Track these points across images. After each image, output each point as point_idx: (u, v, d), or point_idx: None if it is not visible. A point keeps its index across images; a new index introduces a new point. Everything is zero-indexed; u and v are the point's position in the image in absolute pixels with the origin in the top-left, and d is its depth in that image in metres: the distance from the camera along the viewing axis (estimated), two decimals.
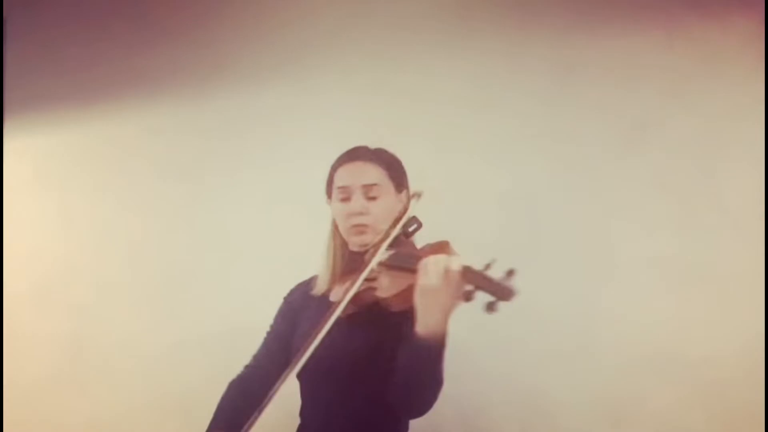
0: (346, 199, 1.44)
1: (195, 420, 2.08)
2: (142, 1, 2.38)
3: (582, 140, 1.91)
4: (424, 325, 1.18)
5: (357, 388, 1.34)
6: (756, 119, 1.79)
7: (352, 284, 1.30)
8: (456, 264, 1.16)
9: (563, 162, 1.92)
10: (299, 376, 1.39)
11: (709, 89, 1.84)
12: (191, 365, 2.11)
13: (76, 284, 2.28)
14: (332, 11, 2.17)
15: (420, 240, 1.43)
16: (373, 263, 1.30)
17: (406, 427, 1.42)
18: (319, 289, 1.49)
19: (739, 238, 1.77)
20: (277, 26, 2.21)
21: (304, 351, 1.25)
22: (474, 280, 1.16)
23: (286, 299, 1.60)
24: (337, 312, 1.26)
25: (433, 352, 1.19)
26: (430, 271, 1.17)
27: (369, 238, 1.40)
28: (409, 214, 1.38)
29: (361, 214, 1.41)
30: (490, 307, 1.13)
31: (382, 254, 1.32)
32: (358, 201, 1.42)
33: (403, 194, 1.49)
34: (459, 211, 1.95)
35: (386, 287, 1.30)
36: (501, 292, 1.15)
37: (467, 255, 1.91)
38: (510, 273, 1.15)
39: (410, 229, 1.33)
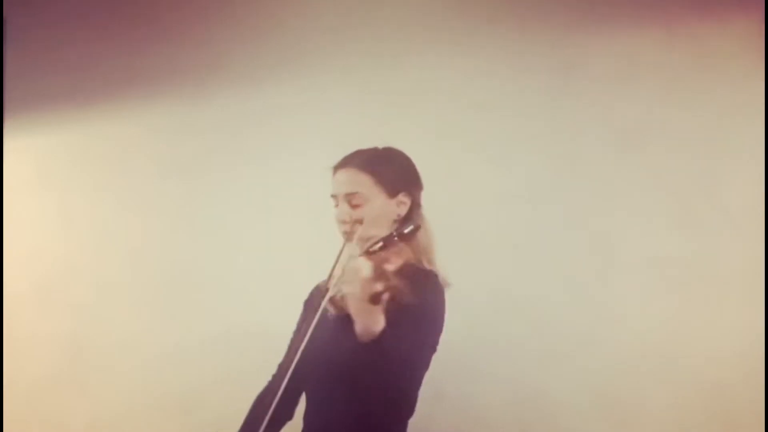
0: (336, 206, 1.48)
1: (195, 420, 2.09)
2: (142, 1, 2.38)
3: (582, 140, 1.91)
4: (357, 324, 1.20)
5: (354, 389, 1.34)
6: (756, 119, 1.79)
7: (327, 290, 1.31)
8: (365, 268, 1.16)
9: (563, 161, 1.92)
10: (303, 379, 1.40)
11: (709, 89, 1.84)
12: (191, 365, 2.11)
13: (76, 284, 2.28)
14: (332, 10, 2.17)
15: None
16: (338, 267, 1.31)
17: (405, 427, 1.42)
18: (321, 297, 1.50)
19: (739, 238, 1.77)
20: (277, 26, 2.21)
21: (293, 357, 1.26)
22: (383, 283, 1.16)
23: (304, 303, 1.62)
24: (316, 318, 1.27)
25: (369, 348, 1.19)
26: (347, 277, 1.20)
27: (360, 243, 1.41)
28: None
29: (344, 222, 1.44)
30: (373, 298, 1.14)
31: (346, 258, 1.32)
32: (342, 209, 1.46)
33: (402, 196, 1.49)
34: (459, 211, 1.95)
35: None
36: (399, 295, 1.15)
37: (468, 255, 1.92)
38: (427, 273, 1.15)
39: (406, 231, 1.32)
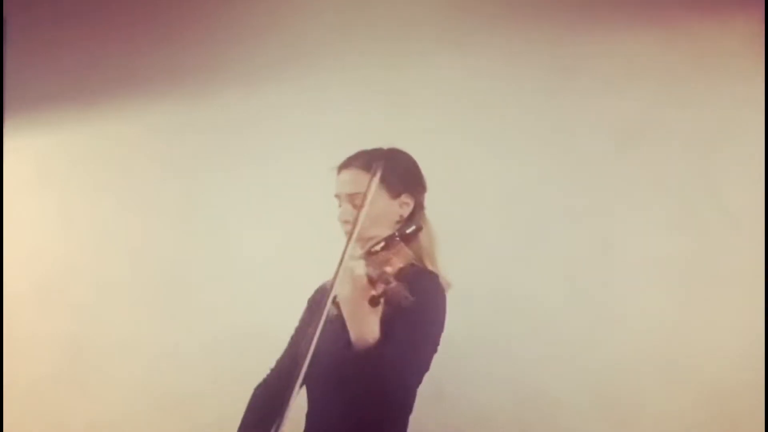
0: (339, 206, 1.50)
1: (195, 420, 2.09)
2: (142, 1, 2.37)
3: (582, 139, 1.91)
4: (351, 332, 1.21)
5: (352, 392, 1.34)
6: (756, 119, 1.79)
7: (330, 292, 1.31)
8: (359, 270, 1.17)
9: (564, 161, 1.92)
10: (305, 380, 1.40)
11: (709, 89, 1.84)
12: (191, 365, 2.11)
13: (76, 284, 2.28)
14: (332, 10, 2.17)
15: None
16: (339, 267, 1.30)
17: (405, 424, 1.42)
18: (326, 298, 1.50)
19: (739, 238, 1.77)
20: (277, 25, 2.21)
21: (303, 358, 1.25)
22: (382, 286, 1.16)
23: (309, 300, 1.62)
24: (322, 319, 1.27)
25: (366, 358, 1.20)
26: (341, 279, 1.20)
27: (362, 244, 1.41)
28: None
29: (346, 221, 1.45)
30: (372, 300, 1.15)
31: (347, 258, 1.31)
32: (345, 209, 1.47)
33: (404, 197, 1.49)
34: (459, 211, 1.95)
35: None
36: (394, 297, 1.15)
37: (468, 254, 1.92)
38: (430, 275, 1.15)
39: (407, 231, 1.32)
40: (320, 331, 1.27)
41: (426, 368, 1.39)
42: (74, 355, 2.24)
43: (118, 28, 2.38)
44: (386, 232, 1.38)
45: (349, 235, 1.33)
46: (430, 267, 1.46)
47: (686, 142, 1.84)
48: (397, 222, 1.47)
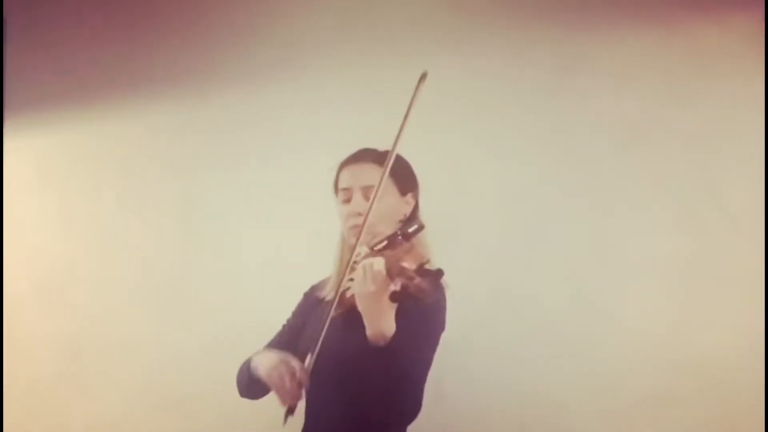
0: (347, 201, 1.47)
1: (195, 420, 2.09)
2: (142, 1, 2.37)
3: (582, 139, 1.91)
4: (367, 327, 1.21)
5: (354, 387, 1.34)
6: (756, 119, 1.79)
7: (338, 288, 1.31)
8: (378, 266, 1.17)
9: (563, 161, 1.92)
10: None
11: (709, 89, 1.85)
12: (191, 366, 2.11)
13: (76, 284, 2.28)
14: (332, 10, 2.17)
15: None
16: (351, 264, 1.30)
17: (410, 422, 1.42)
18: (328, 293, 1.49)
19: (739, 238, 1.77)
20: (278, 25, 2.21)
21: (305, 355, 1.27)
22: (402, 281, 1.17)
23: (305, 294, 1.62)
24: (329, 316, 1.27)
25: (382, 353, 1.20)
26: (359, 276, 1.20)
27: (366, 239, 1.40)
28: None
29: (359, 214, 1.42)
30: (393, 296, 1.16)
31: (358, 254, 1.32)
32: (357, 202, 1.44)
33: (409, 197, 1.50)
34: (459, 211, 1.95)
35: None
36: (419, 293, 1.16)
37: (468, 254, 1.92)
38: (436, 273, 1.17)
39: (410, 230, 1.32)
40: (317, 327, 1.28)
41: (430, 365, 1.40)
42: (74, 355, 2.24)
43: (118, 28, 2.37)
44: (390, 229, 1.38)
45: (361, 226, 1.33)
46: (428, 266, 1.46)
47: (686, 142, 1.84)
48: (401, 221, 1.47)
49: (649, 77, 1.89)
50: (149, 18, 2.35)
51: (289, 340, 1.53)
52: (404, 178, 1.50)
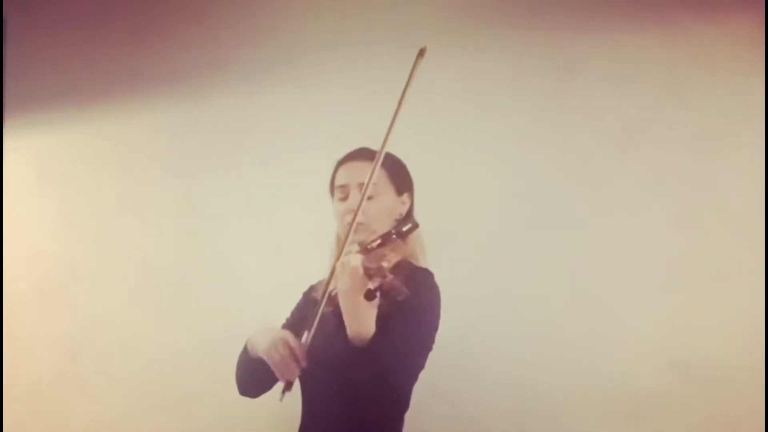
0: (344, 198, 1.47)
1: (195, 420, 2.09)
2: (142, 2, 2.37)
3: (582, 140, 1.91)
4: (348, 327, 1.21)
5: (344, 388, 1.34)
6: (756, 119, 1.79)
7: (327, 286, 1.31)
8: (356, 263, 1.18)
9: (563, 161, 1.92)
10: (301, 383, 1.41)
11: (709, 89, 1.85)
12: (191, 365, 2.11)
13: (76, 284, 2.28)
14: (332, 11, 2.17)
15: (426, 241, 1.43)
16: (339, 262, 1.30)
17: (401, 421, 1.42)
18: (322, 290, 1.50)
19: (739, 238, 1.77)
20: (277, 26, 2.21)
21: (308, 332, 1.27)
22: (379, 279, 1.16)
23: (304, 294, 1.62)
24: (317, 317, 1.27)
25: (363, 353, 1.20)
26: (338, 273, 1.20)
27: (362, 237, 1.40)
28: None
29: (354, 212, 1.41)
30: (368, 294, 1.15)
31: (346, 253, 1.32)
32: (354, 199, 1.44)
33: (405, 197, 1.51)
34: (459, 212, 1.95)
35: None
36: (393, 290, 1.15)
37: (467, 255, 1.92)
38: (424, 271, 1.15)
39: (404, 229, 1.32)
40: (315, 329, 1.28)
41: (421, 366, 1.39)
42: (74, 355, 2.24)
43: (119, 28, 2.38)
44: (385, 228, 1.39)
45: (350, 224, 1.33)
46: (422, 265, 1.46)
47: (686, 142, 1.84)
48: (396, 220, 1.47)
49: (648, 77, 1.89)
50: (149, 19, 2.36)
51: None
52: (400, 178, 1.51)
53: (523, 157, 1.95)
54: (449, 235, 1.93)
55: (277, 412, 1.31)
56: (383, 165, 1.46)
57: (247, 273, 2.11)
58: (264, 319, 1.62)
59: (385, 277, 1.16)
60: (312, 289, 1.61)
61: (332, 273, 1.33)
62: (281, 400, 1.27)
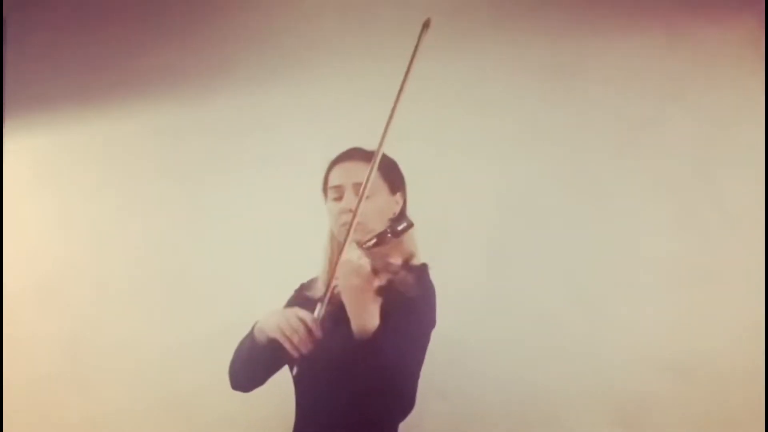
0: (338, 198, 1.47)
1: (195, 419, 2.09)
2: (142, 2, 2.38)
3: (582, 141, 1.91)
4: (352, 322, 1.21)
5: (345, 384, 1.34)
6: (756, 120, 1.79)
7: (330, 282, 1.31)
8: (363, 261, 1.18)
9: (563, 163, 1.92)
10: (295, 383, 1.42)
11: (709, 90, 1.85)
12: (191, 365, 2.11)
13: (75, 284, 2.28)
14: (332, 14, 2.17)
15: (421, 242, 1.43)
16: (341, 261, 1.30)
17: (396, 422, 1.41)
18: (317, 291, 1.50)
19: (739, 239, 1.77)
20: (278, 29, 2.21)
21: (321, 304, 1.27)
22: (388, 276, 1.17)
23: (296, 291, 1.62)
24: (320, 314, 1.27)
25: (368, 348, 1.20)
26: (342, 272, 1.20)
27: (358, 237, 1.40)
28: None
29: (350, 211, 1.42)
30: (378, 291, 1.16)
31: (349, 251, 1.32)
32: (349, 199, 1.44)
33: (398, 196, 1.51)
34: (459, 211, 1.95)
35: None
36: (404, 287, 1.17)
37: (468, 255, 1.92)
38: (421, 267, 1.15)
39: (399, 228, 1.33)
40: (327, 300, 1.28)
41: (422, 361, 1.40)
42: (73, 354, 2.24)
43: (118, 29, 2.38)
44: (380, 227, 1.39)
45: (350, 223, 1.33)
46: (416, 263, 1.46)
47: (686, 143, 1.84)
48: (390, 219, 1.47)
49: (649, 78, 1.89)
50: (149, 20, 2.36)
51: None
52: (393, 177, 1.51)
53: (523, 156, 1.95)
54: (448, 234, 1.93)
55: (274, 409, 1.31)
56: (378, 165, 1.47)
57: (247, 273, 2.11)
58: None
59: (396, 273, 1.16)
60: (303, 287, 1.61)
61: (333, 271, 1.33)
62: (293, 374, 1.29)
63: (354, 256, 1.20)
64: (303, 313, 1.28)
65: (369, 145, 1.53)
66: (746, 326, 1.73)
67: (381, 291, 1.17)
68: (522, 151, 1.95)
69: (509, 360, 1.86)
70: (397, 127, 2.03)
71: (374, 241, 1.30)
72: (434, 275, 1.44)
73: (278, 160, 2.15)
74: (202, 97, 2.26)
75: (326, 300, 1.27)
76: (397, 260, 1.20)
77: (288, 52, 2.19)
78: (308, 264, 1.59)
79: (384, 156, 1.51)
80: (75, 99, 2.39)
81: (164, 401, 2.11)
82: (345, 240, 1.32)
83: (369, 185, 1.39)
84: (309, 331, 1.26)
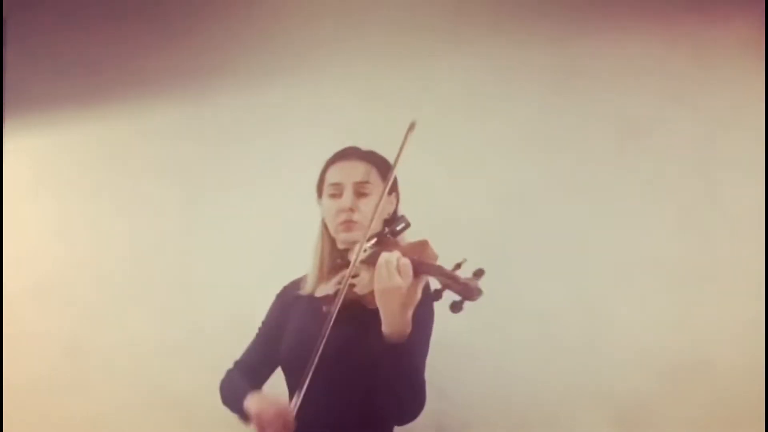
0: (336, 196, 1.47)
1: (194, 418, 2.09)
2: (142, 3, 2.38)
3: (582, 141, 1.91)
4: (386, 324, 1.22)
5: (344, 385, 1.34)
6: (756, 120, 1.79)
7: (339, 283, 1.31)
8: (405, 261, 1.19)
9: (563, 163, 1.92)
10: (288, 374, 1.42)
11: (708, 90, 1.85)
12: (190, 364, 2.11)
13: (75, 284, 2.28)
14: (331, 15, 2.17)
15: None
16: (356, 261, 1.31)
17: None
18: (307, 288, 1.50)
19: (739, 239, 1.77)
20: (276, 30, 2.21)
21: (311, 358, 1.27)
22: (442, 279, 1.17)
23: (278, 296, 1.62)
24: (333, 315, 1.27)
25: (399, 350, 1.22)
26: (382, 271, 1.20)
27: (356, 235, 1.41)
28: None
29: (350, 210, 1.43)
30: (456, 307, 1.15)
31: (364, 251, 1.32)
32: (348, 197, 1.44)
33: (393, 196, 1.51)
34: (458, 211, 1.95)
35: (364, 285, 1.32)
36: (467, 291, 1.16)
37: (468, 255, 1.91)
38: (478, 273, 1.17)
39: (398, 228, 1.33)
40: (306, 326, 1.29)
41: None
42: (74, 355, 2.24)
43: (119, 29, 2.38)
44: (377, 227, 1.39)
45: (368, 226, 1.34)
46: None
47: (686, 142, 1.84)
48: (385, 219, 1.47)
49: (649, 78, 1.89)
50: (149, 21, 2.36)
51: (268, 344, 1.52)
52: (389, 177, 1.50)
53: (523, 156, 1.95)
54: (448, 235, 1.93)
55: None
56: (374, 164, 1.48)
57: (246, 273, 2.11)
58: (260, 317, 1.63)
59: (454, 278, 1.16)
60: (286, 289, 1.60)
61: (334, 274, 1.33)
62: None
63: (393, 256, 1.20)
64: (281, 407, 1.29)
65: (372, 145, 1.53)
66: (746, 326, 1.73)
67: (438, 295, 1.18)
68: (522, 151, 1.95)
69: (509, 360, 1.86)
70: (397, 129, 2.03)
71: (374, 240, 1.30)
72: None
73: (277, 160, 2.15)
74: (201, 97, 2.26)
75: (309, 377, 1.27)
76: (430, 258, 1.21)
77: (287, 52, 2.19)
78: (306, 262, 1.59)
79: (379, 156, 1.52)
80: (75, 99, 2.38)
81: (163, 401, 2.12)
82: (361, 244, 1.32)
83: (367, 185, 1.43)
84: (284, 425, 1.27)
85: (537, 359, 1.84)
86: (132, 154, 2.31)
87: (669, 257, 1.80)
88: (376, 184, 1.46)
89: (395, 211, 1.52)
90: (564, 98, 1.93)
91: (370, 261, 1.31)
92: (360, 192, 1.44)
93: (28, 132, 2.42)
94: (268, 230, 2.12)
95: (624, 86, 1.90)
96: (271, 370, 1.55)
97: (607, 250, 1.85)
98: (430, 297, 1.24)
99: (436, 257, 1.28)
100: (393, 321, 1.21)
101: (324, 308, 1.33)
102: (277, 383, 1.50)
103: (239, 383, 1.48)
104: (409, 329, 1.22)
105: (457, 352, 1.85)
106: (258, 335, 1.59)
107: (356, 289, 1.31)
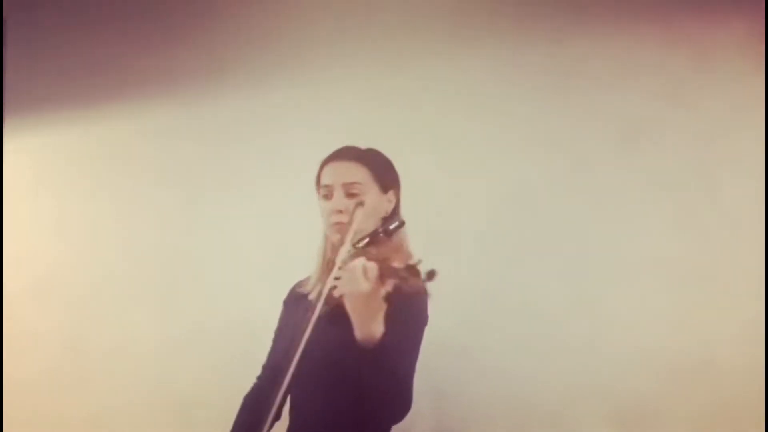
0: (328, 197, 1.47)
1: (193, 417, 2.09)
2: (142, 4, 2.38)
3: (582, 141, 1.91)
4: (356, 329, 1.21)
5: (337, 386, 1.34)
6: (755, 120, 1.79)
7: (325, 283, 1.30)
8: (372, 266, 1.17)
9: (563, 162, 1.92)
10: (291, 379, 1.41)
11: (708, 90, 1.85)
12: (189, 363, 2.11)
13: (75, 283, 2.29)
14: (331, 16, 2.17)
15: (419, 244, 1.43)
16: (338, 262, 1.30)
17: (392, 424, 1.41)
18: (308, 288, 1.50)
19: (739, 239, 1.77)
20: (277, 31, 2.21)
21: (291, 358, 1.26)
22: (392, 282, 1.17)
23: (284, 302, 1.62)
24: (314, 316, 1.27)
25: (371, 355, 1.21)
26: (349, 277, 1.19)
27: (348, 236, 1.40)
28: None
29: (340, 212, 1.43)
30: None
31: (348, 252, 1.31)
32: (338, 199, 1.44)
33: (390, 194, 1.50)
34: (458, 211, 1.95)
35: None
36: (418, 294, 1.16)
37: (468, 255, 1.92)
38: (430, 274, 1.14)
39: (391, 227, 1.32)
40: (303, 329, 1.28)
41: (416, 358, 1.40)
42: (73, 353, 2.24)
43: (118, 29, 2.38)
44: (372, 227, 1.39)
45: (348, 227, 1.33)
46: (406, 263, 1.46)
47: (686, 142, 1.84)
48: (383, 218, 1.47)
49: (648, 77, 1.89)
50: (149, 21, 2.36)
51: (279, 353, 1.50)
52: (385, 176, 1.50)
53: (522, 156, 1.95)
54: (447, 234, 1.93)
55: None
56: (366, 164, 1.47)
57: (245, 273, 2.12)
58: (263, 318, 1.63)
59: (405, 278, 1.15)
60: (293, 292, 1.60)
61: (329, 273, 1.33)
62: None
63: (359, 261, 1.19)
64: None
65: (370, 144, 1.53)
66: (746, 326, 1.73)
67: (388, 298, 1.16)
68: (522, 151, 1.95)
69: (509, 360, 1.86)
70: (397, 129, 2.04)
71: (366, 240, 1.29)
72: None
73: (277, 160, 2.15)
74: (200, 98, 2.26)
75: (287, 377, 1.26)
76: (401, 264, 1.19)
77: (287, 52, 2.19)
78: (307, 264, 1.59)
79: (377, 154, 1.51)
80: (75, 100, 2.39)
81: (163, 399, 2.12)
82: (340, 243, 1.32)
83: (356, 186, 1.42)
84: None
85: (537, 359, 1.84)
86: (132, 154, 2.31)
87: (669, 257, 1.80)
88: (367, 185, 1.45)
89: (395, 210, 1.51)
90: (564, 98, 1.93)
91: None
92: (350, 193, 1.43)
93: (28, 132, 2.42)
94: (267, 230, 2.12)
95: (624, 86, 1.90)
96: (282, 382, 1.53)
97: (607, 250, 1.85)
98: (415, 298, 1.23)
99: (409, 257, 1.27)
100: (362, 326, 1.20)
101: (309, 310, 1.32)
102: None
103: (247, 418, 1.49)
104: (378, 334, 1.20)
105: (457, 352, 1.85)
106: (271, 346, 1.59)
107: (336, 291, 1.30)
